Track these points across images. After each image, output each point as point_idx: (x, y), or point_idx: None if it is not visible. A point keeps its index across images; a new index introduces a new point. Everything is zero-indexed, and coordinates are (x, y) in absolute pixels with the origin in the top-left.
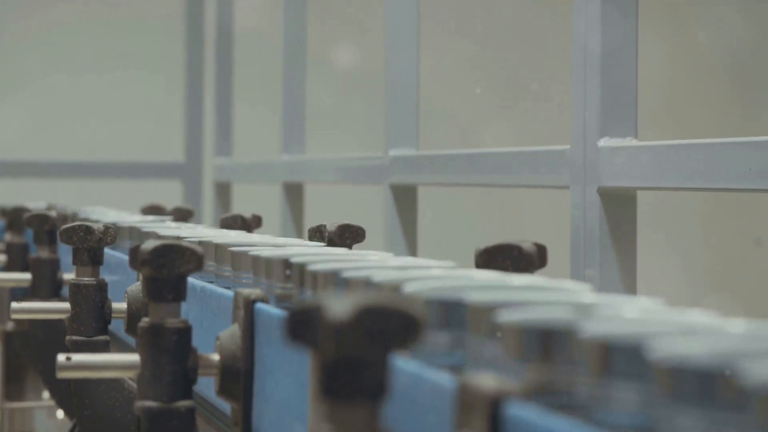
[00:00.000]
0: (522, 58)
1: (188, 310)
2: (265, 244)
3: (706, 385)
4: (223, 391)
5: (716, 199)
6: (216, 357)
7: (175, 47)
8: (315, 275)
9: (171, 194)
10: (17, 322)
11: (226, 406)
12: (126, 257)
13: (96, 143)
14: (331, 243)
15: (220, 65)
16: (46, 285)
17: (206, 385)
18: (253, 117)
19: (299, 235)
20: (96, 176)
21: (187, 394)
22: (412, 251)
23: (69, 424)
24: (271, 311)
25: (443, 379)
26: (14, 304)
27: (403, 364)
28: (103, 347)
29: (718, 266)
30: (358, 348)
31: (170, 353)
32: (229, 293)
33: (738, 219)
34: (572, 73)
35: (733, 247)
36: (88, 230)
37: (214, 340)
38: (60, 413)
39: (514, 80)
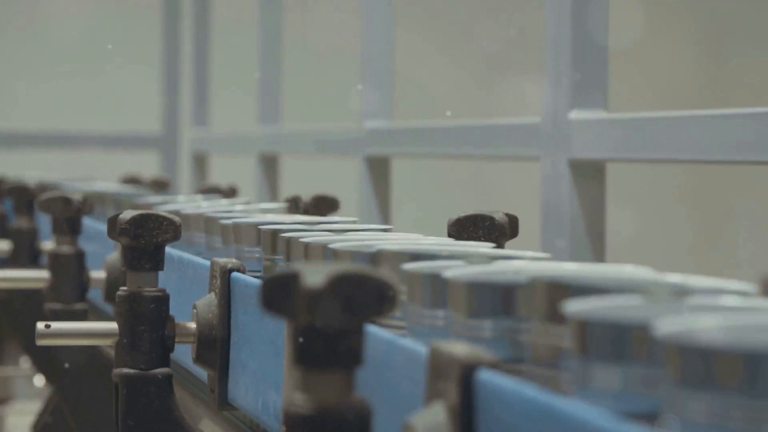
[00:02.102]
0: (495, 31)
1: (166, 279)
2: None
3: (619, 340)
4: (200, 358)
5: (691, 170)
6: (193, 325)
7: (152, 24)
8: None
9: (148, 165)
10: None
11: (203, 373)
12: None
13: (74, 115)
14: (306, 213)
15: (197, 41)
16: (25, 254)
17: (184, 353)
18: (229, 91)
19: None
20: (73, 147)
21: (165, 361)
22: (386, 222)
23: (49, 390)
24: (247, 280)
25: (416, 346)
26: None
27: (377, 331)
28: (82, 316)
29: (692, 237)
30: (333, 316)
31: (148, 321)
32: (206, 262)
33: (712, 191)
34: (544, 45)
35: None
36: (67, 200)
37: (191, 309)
38: (40, 380)
39: (487, 53)
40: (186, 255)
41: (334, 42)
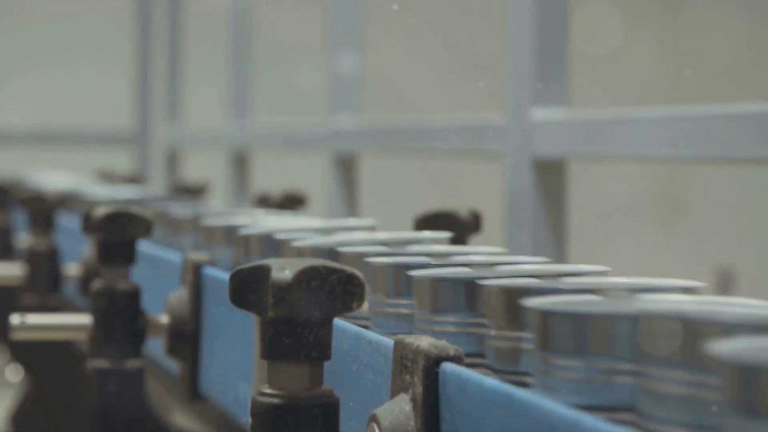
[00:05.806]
0: (459, 27)
1: (140, 274)
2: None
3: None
4: (172, 351)
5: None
6: (165, 319)
7: (124, 21)
8: None
9: (120, 162)
10: None
11: (174, 365)
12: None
13: (48, 111)
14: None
15: (169, 37)
16: (0, 250)
17: (157, 346)
18: (202, 88)
19: (245, 202)
20: (47, 143)
21: (137, 353)
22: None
23: (26, 382)
24: (217, 275)
25: (382, 339)
26: None
27: (344, 324)
28: (56, 310)
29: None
30: (300, 309)
31: (120, 315)
32: (178, 258)
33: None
34: (506, 42)
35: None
36: (42, 197)
37: (163, 303)
38: (13, 372)
39: (452, 49)
40: (159, 251)
41: (304, 39)
